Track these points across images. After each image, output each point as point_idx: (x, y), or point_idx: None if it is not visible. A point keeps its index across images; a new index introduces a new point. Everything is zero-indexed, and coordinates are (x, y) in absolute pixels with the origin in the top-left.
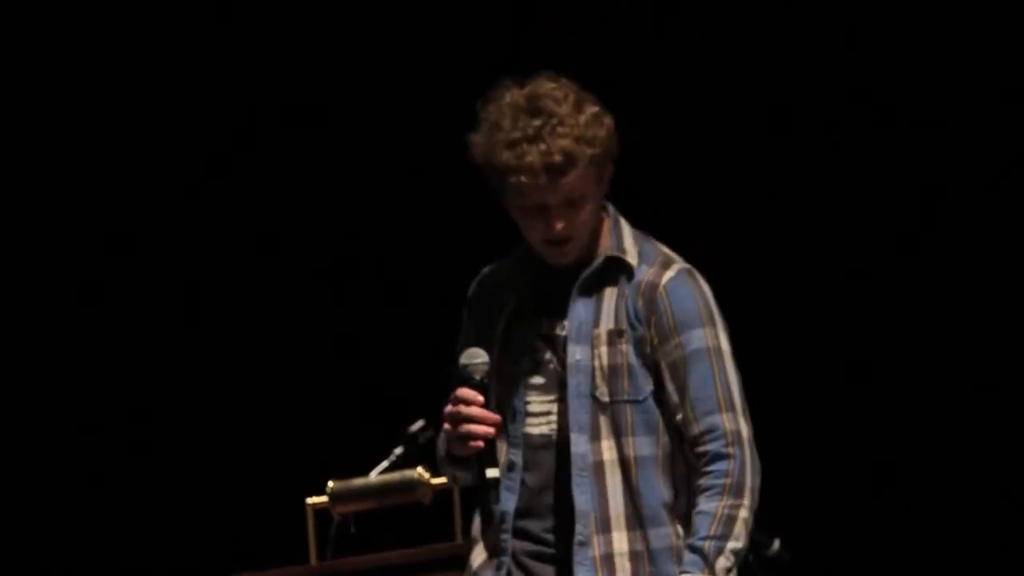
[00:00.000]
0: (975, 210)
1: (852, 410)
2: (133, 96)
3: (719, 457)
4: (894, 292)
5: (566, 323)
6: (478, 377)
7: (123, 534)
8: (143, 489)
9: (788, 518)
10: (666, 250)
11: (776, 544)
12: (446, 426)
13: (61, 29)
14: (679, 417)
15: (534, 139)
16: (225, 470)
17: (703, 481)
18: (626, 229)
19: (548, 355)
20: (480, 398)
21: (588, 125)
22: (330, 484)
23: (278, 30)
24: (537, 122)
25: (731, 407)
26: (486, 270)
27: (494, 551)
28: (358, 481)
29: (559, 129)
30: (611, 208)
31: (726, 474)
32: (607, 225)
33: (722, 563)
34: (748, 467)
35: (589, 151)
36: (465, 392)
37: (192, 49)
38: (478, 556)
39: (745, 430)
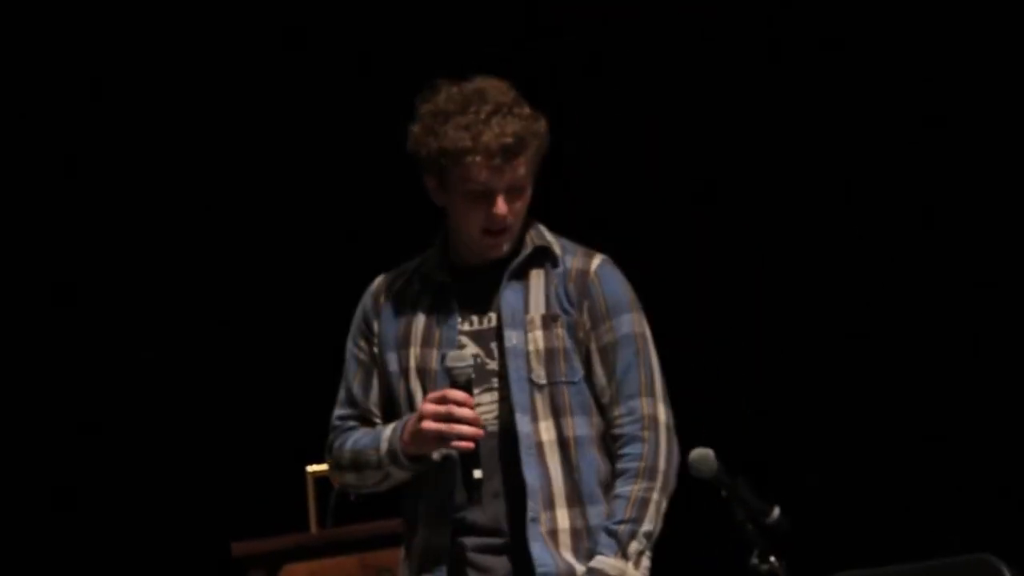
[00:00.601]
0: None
1: (853, 375)
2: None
3: (633, 439)
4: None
5: (492, 315)
6: (463, 379)
7: (123, 502)
8: (144, 457)
9: (787, 486)
10: (581, 246)
11: (776, 512)
12: (430, 425)
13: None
14: (604, 399)
15: (487, 122)
16: (225, 438)
17: (619, 464)
18: (542, 227)
19: (473, 348)
20: (472, 400)
21: (532, 117)
22: None
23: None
24: (488, 107)
25: (651, 392)
26: (381, 279)
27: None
28: None
29: (509, 115)
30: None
31: (640, 457)
32: (528, 223)
33: (634, 547)
34: (662, 451)
35: (535, 140)
36: (456, 393)
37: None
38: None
39: (663, 415)
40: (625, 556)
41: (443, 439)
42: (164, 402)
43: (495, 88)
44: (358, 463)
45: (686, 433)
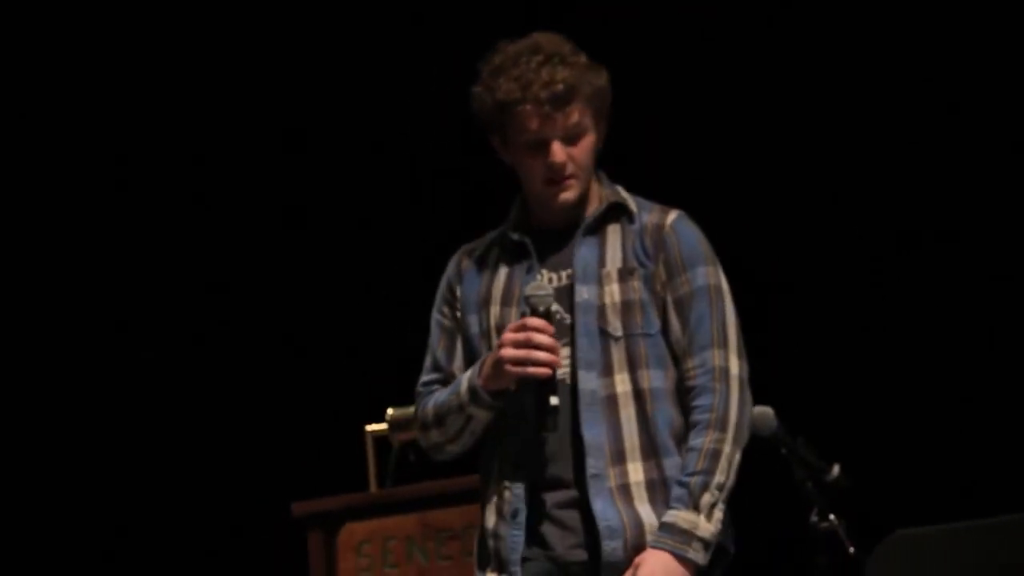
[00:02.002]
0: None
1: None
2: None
3: (704, 391)
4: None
5: (569, 271)
6: (543, 309)
7: (187, 464)
8: (206, 419)
9: (849, 443)
10: (657, 203)
11: (836, 469)
12: (508, 352)
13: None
14: (679, 351)
15: (538, 71)
16: (285, 398)
17: (692, 417)
18: (619, 187)
19: (553, 306)
20: (551, 327)
21: (588, 66)
22: (389, 411)
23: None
24: (540, 57)
25: (724, 344)
26: (463, 248)
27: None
28: None
29: (560, 63)
30: (601, 172)
31: (711, 408)
32: (602, 181)
33: (707, 499)
34: (734, 402)
35: (588, 87)
36: (535, 321)
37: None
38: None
39: (735, 367)
40: (697, 509)
41: (522, 364)
42: (227, 364)
43: (548, 40)
44: (440, 414)
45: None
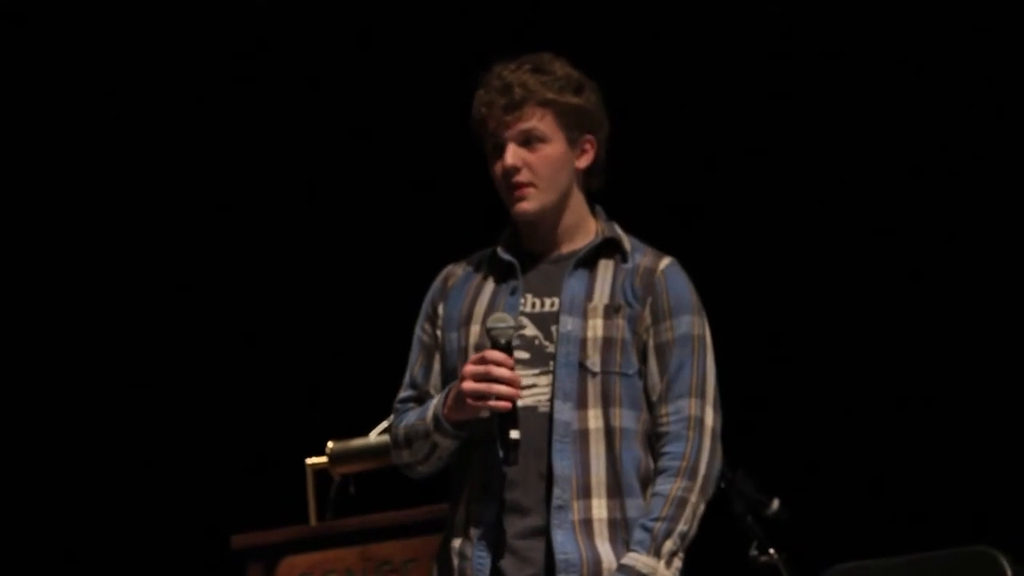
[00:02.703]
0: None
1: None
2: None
3: (677, 438)
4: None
5: (555, 299)
6: (503, 341)
7: (123, 495)
8: (144, 450)
9: (787, 478)
10: (651, 247)
11: (775, 503)
12: (468, 385)
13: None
14: (654, 397)
15: (502, 76)
16: (225, 430)
17: (660, 463)
18: (615, 225)
19: (533, 331)
20: (511, 360)
21: (566, 79)
22: (330, 444)
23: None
24: (513, 66)
25: (701, 395)
26: (450, 266)
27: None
28: (357, 442)
29: (527, 69)
30: (598, 207)
31: (682, 456)
32: (599, 217)
33: (668, 546)
34: (705, 453)
35: (551, 95)
36: (495, 354)
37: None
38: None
39: (710, 419)
40: (658, 555)
41: (482, 398)
42: (165, 395)
43: (540, 56)
44: (409, 437)
45: None
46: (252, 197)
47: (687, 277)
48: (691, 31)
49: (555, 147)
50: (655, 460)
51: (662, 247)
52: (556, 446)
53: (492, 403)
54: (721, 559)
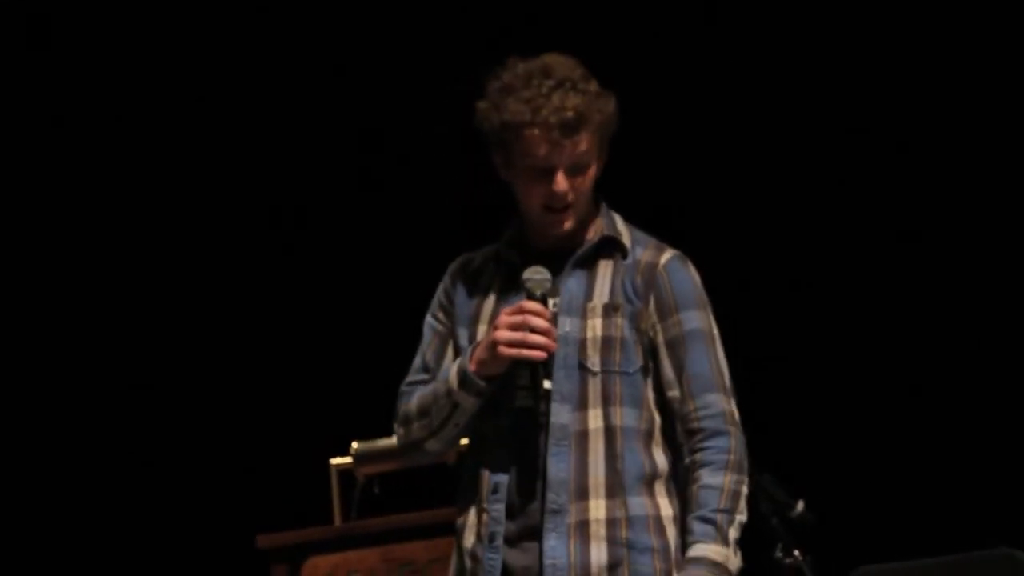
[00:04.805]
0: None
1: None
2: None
3: (719, 434)
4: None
5: (556, 300)
6: (539, 292)
7: (150, 495)
8: (170, 450)
9: (812, 481)
10: (654, 239)
11: (800, 505)
12: (504, 334)
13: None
14: (672, 393)
15: (548, 96)
16: (250, 431)
17: (703, 456)
18: (617, 217)
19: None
20: (547, 311)
21: (598, 93)
22: (354, 445)
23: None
24: (551, 82)
25: (725, 389)
26: (463, 257)
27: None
28: (382, 442)
29: (572, 90)
30: (601, 199)
31: (728, 451)
32: (600, 211)
33: (733, 535)
34: (743, 447)
35: (597, 116)
36: (532, 304)
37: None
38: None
39: (736, 412)
40: (726, 543)
41: (517, 347)
42: (191, 396)
43: (561, 63)
44: (424, 405)
45: None
46: (288, 195)
47: (692, 270)
48: (692, 30)
49: (594, 168)
50: (690, 454)
51: (689, 247)
52: (552, 449)
53: (527, 352)
54: (746, 560)
